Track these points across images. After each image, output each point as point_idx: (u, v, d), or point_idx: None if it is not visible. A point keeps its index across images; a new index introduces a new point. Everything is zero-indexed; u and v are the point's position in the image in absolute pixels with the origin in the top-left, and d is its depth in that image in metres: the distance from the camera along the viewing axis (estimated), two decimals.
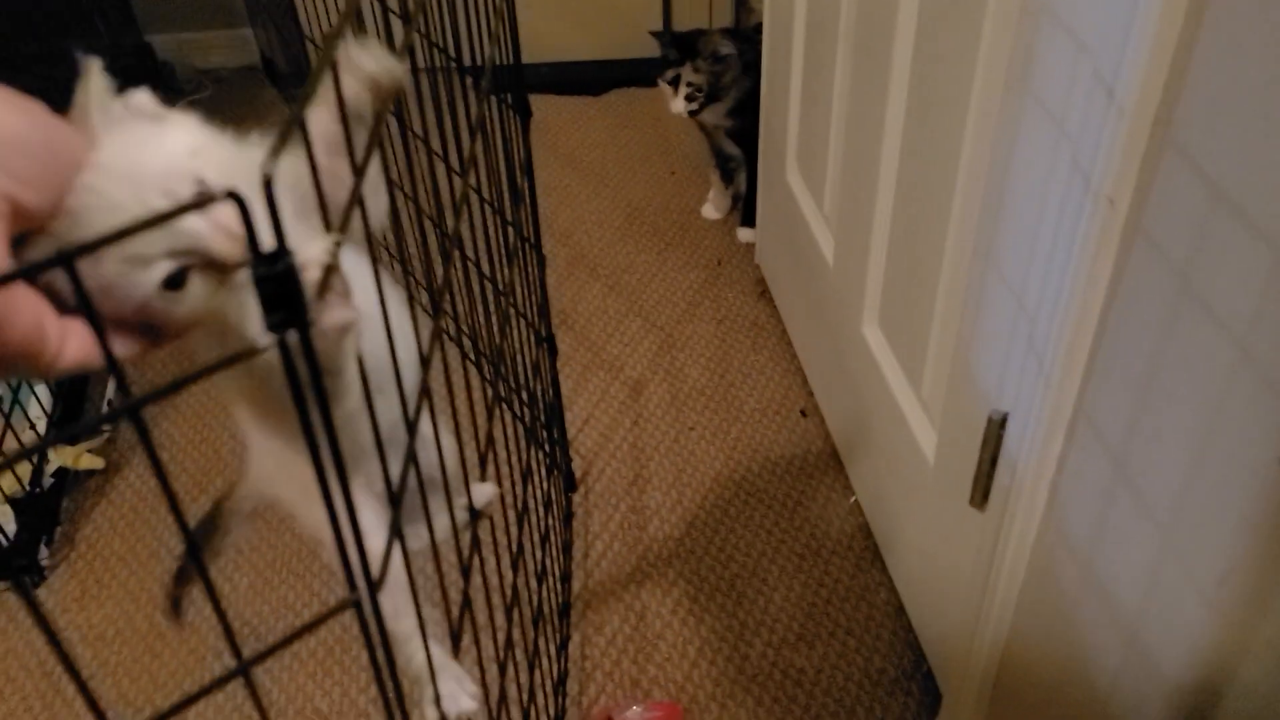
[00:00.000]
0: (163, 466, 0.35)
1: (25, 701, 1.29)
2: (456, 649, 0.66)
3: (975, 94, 0.95)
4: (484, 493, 0.79)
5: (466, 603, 0.68)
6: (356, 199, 0.44)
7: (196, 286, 0.44)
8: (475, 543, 0.72)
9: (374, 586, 0.45)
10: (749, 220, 1.93)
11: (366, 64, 0.54)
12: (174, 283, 0.44)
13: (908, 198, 1.17)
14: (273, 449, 0.63)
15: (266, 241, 0.33)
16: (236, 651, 0.39)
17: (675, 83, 1.77)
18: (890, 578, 1.36)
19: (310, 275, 0.41)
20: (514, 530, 0.92)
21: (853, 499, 1.47)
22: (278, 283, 0.33)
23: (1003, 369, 0.93)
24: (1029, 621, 0.96)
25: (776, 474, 1.52)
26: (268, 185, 0.34)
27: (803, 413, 1.61)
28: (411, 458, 0.51)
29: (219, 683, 0.39)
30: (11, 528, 1.42)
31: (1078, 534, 0.84)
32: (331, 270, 0.40)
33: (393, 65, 0.54)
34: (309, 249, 0.41)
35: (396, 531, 0.48)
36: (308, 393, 0.36)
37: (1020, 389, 0.89)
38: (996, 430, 0.94)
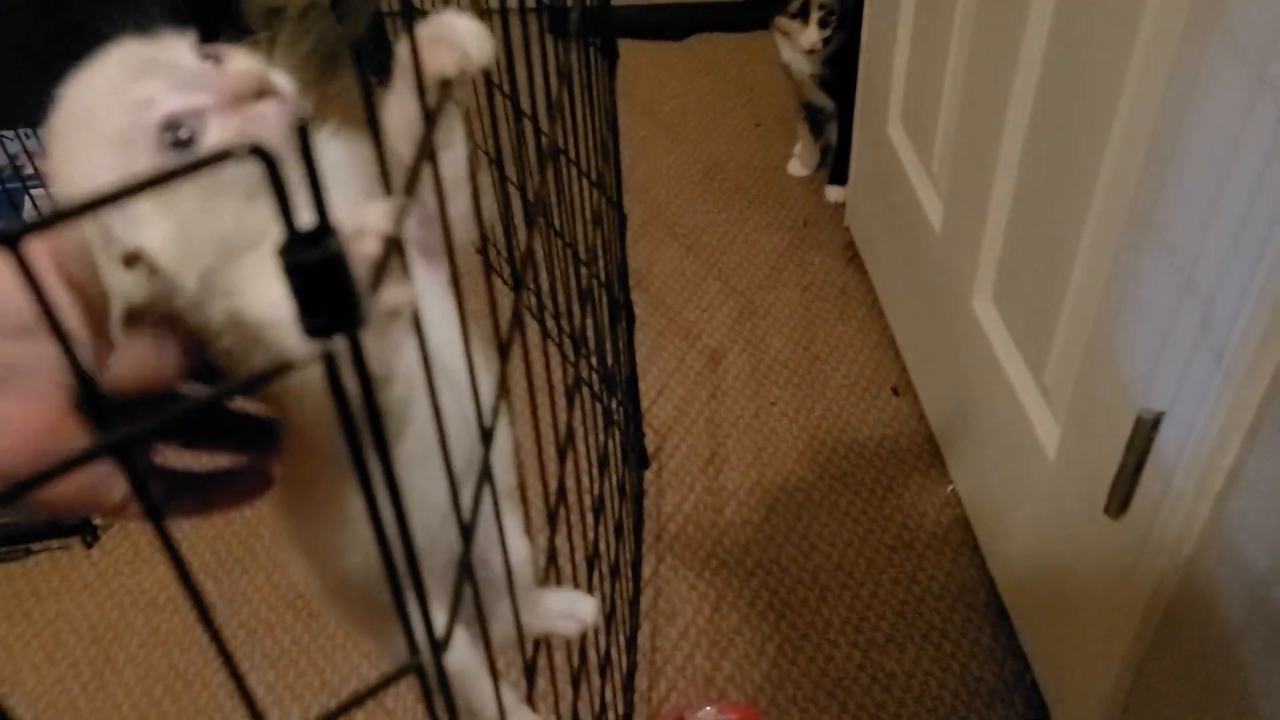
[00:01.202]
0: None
1: (74, 667, 1.24)
2: (531, 681, 0.56)
3: (1145, 28, 0.81)
4: (583, 609, 0.65)
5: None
6: (427, 151, 0.34)
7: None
8: (551, 554, 0.63)
9: (438, 649, 0.35)
10: (839, 177, 1.80)
11: (459, 35, 0.42)
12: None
13: (1040, 152, 1.03)
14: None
15: (303, 217, 0.23)
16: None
17: (804, 12, 1.62)
18: (992, 577, 1.24)
19: (366, 248, 0.30)
20: (590, 532, 0.83)
21: (950, 488, 1.35)
22: (320, 273, 0.23)
23: (1158, 360, 0.80)
24: (1175, 649, 0.84)
25: (865, 457, 1.40)
26: (303, 135, 0.23)
27: (895, 391, 1.49)
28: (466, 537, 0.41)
29: None
30: None
31: (1252, 560, 0.72)
32: (394, 245, 0.30)
33: (485, 43, 0.43)
34: (365, 214, 0.31)
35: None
36: (357, 424, 0.26)
37: (1183, 385, 0.77)
38: (1146, 431, 0.82)
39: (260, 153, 0.22)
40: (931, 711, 1.14)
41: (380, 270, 0.29)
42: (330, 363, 0.24)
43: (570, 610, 0.60)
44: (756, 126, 2.04)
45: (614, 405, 1.13)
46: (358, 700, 0.33)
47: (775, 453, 1.42)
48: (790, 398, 1.49)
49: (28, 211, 1.49)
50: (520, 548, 0.56)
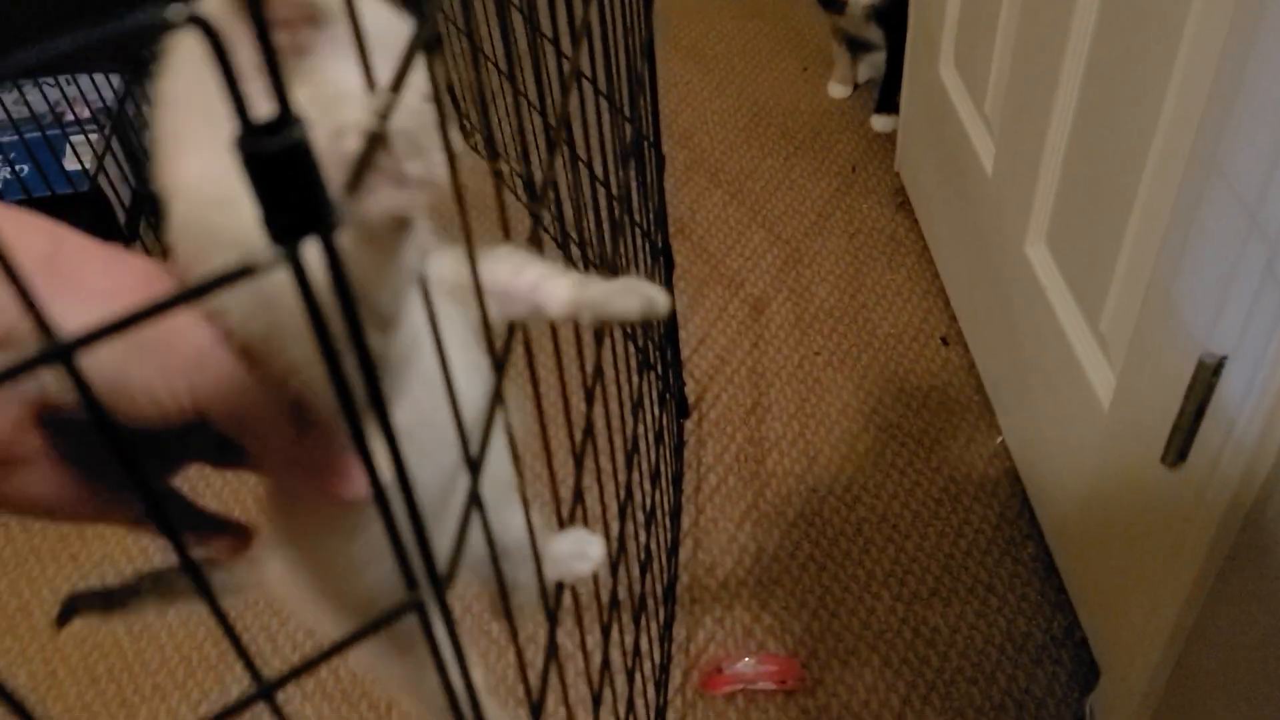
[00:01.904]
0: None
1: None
2: (553, 625, 0.55)
3: None
4: (594, 549, 0.59)
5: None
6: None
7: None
8: (577, 492, 0.61)
9: (441, 586, 0.33)
10: (886, 104, 1.75)
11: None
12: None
13: (1099, 90, 0.98)
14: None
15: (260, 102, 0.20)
16: (255, 674, 0.29)
17: None
18: (1040, 530, 1.21)
19: (347, 147, 0.28)
20: (622, 475, 0.81)
21: (999, 440, 1.31)
22: (280, 166, 0.21)
23: (1222, 302, 0.75)
24: (1234, 603, 0.81)
25: (912, 407, 1.37)
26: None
27: (944, 340, 1.44)
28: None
29: (241, 705, 0.29)
30: None
31: None
32: (381, 141, 0.27)
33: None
34: (346, 106, 0.28)
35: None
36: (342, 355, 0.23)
37: (1248, 328, 0.72)
38: (1208, 376, 0.78)
39: (204, 25, 0.19)
40: (976, 666, 1.11)
41: (362, 169, 0.26)
42: (299, 271, 0.22)
43: (581, 551, 0.57)
44: (804, 70, 1.98)
45: (649, 347, 1.10)
46: (356, 637, 0.32)
47: (819, 403, 1.39)
48: (836, 347, 1.46)
49: (65, 160, 1.49)
50: (533, 520, 0.54)
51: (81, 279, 0.34)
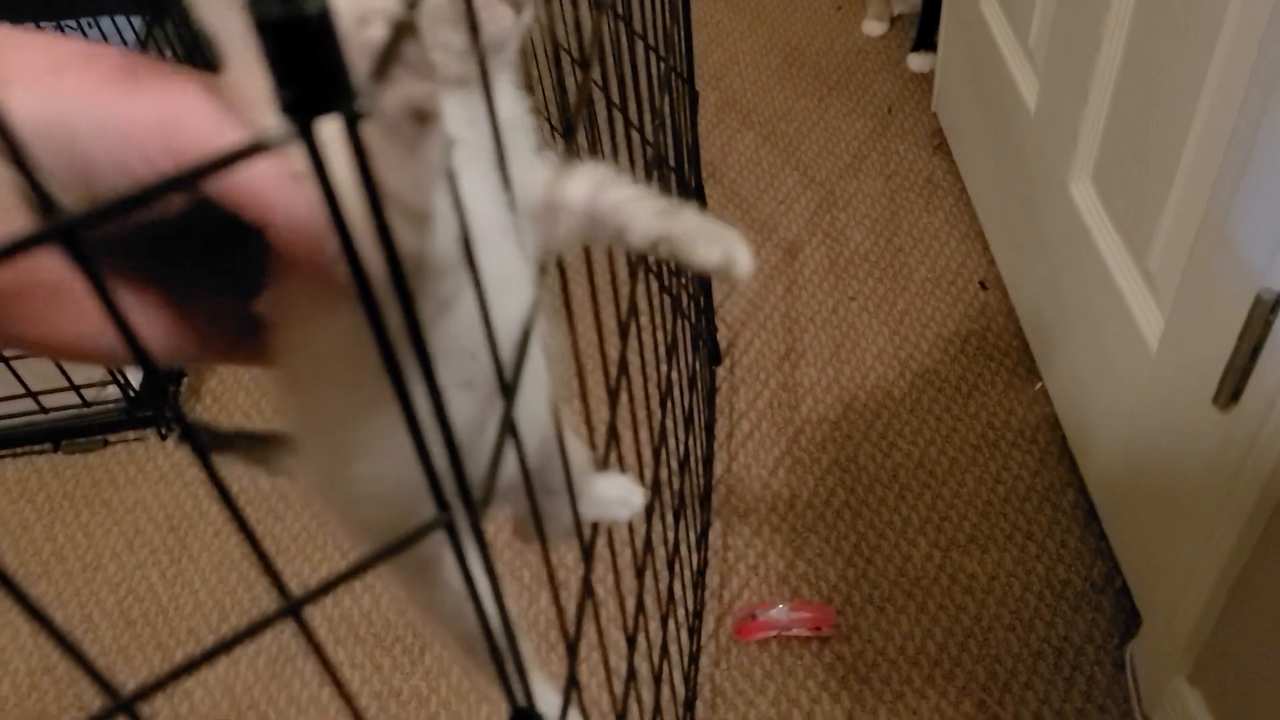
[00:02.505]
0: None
1: (154, 555, 1.26)
2: (589, 564, 0.53)
3: None
4: (636, 497, 0.56)
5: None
6: None
7: None
8: (612, 429, 0.59)
9: (475, 508, 0.31)
10: (923, 42, 1.70)
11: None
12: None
13: (1152, 16, 0.94)
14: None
15: None
16: (282, 589, 0.27)
17: None
18: (1080, 477, 1.18)
19: (371, 34, 0.26)
20: (656, 417, 0.79)
21: (1039, 385, 1.28)
22: (295, 35, 0.19)
23: None
24: None
25: (949, 353, 1.34)
26: None
27: (982, 284, 1.41)
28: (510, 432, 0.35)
29: (268, 621, 0.28)
30: (138, 379, 1.38)
31: None
32: (407, 31, 0.25)
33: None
34: None
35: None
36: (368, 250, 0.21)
37: None
38: (1265, 313, 0.74)
39: None
40: (1014, 614, 1.09)
41: (388, 58, 0.24)
42: (313, 150, 0.20)
43: (624, 497, 0.56)
44: (838, 10, 1.92)
45: (681, 293, 1.08)
46: (379, 556, 0.30)
47: (854, 349, 1.36)
48: (871, 292, 1.43)
49: None
50: (577, 451, 0.52)
51: (20, 62, 0.31)
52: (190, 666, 0.26)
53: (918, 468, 1.23)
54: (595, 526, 0.55)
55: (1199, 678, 0.93)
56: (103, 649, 1.17)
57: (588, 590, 0.51)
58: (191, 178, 0.19)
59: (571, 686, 0.48)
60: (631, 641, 0.69)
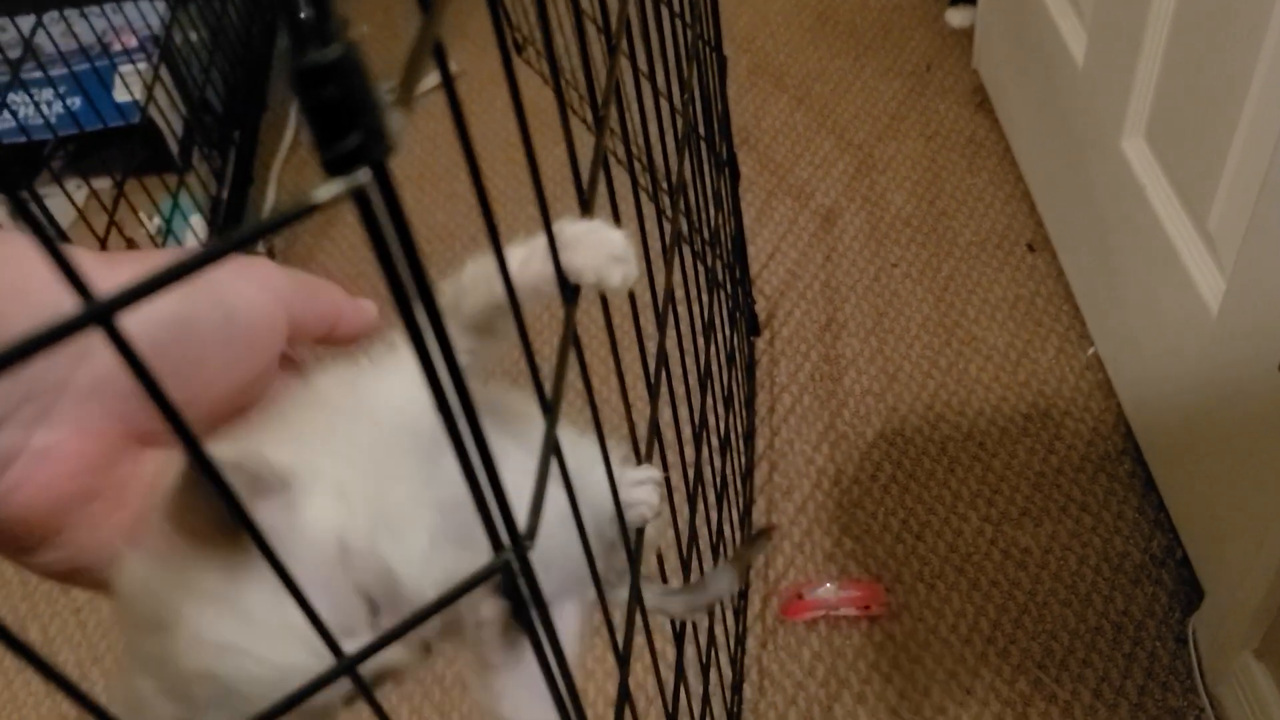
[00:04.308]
0: None
1: None
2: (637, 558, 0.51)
3: None
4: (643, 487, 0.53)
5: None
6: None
7: None
8: (653, 426, 0.56)
9: (522, 546, 0.30)
10: None
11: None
12: None
13: None
14: None
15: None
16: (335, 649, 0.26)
17: None
18: (1137, 445, 1.14)
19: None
20: (696, 399, 0.76)
21: (1091, 350, 1.24)
22: (334, 81, 0.17)
23: None
24: None
25: (997, 319, 1.30)
26: None
27: (1030, 247, 1.36)
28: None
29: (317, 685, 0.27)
30: None
31: None
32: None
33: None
34: None
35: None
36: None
37: None
38: None
39: None
40: (1070, 588, 1.06)
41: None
42: (363, 201, 0.19)
43: (644, 498, 0.53)
44: None
45: (718, 266, 1.05)
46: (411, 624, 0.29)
47: (897, 317, 1.33)
48: (914, 258, 1.39)
49: (115, 92, 1.46)
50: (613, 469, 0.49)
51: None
52: None
53: (966, 439, 1.19)
54: (639, 535, 0.52)
55: (1266, 651, 0.89)
56: None
57: (636, 596, 0.49)
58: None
59: (624, 698, 0.46)
60: (679, 637, 0.67)
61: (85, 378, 0.33)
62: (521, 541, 0.31)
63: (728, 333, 1.10)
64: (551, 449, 0.35)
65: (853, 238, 1.43)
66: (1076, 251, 1.28)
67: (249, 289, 0.37)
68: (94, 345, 0.33)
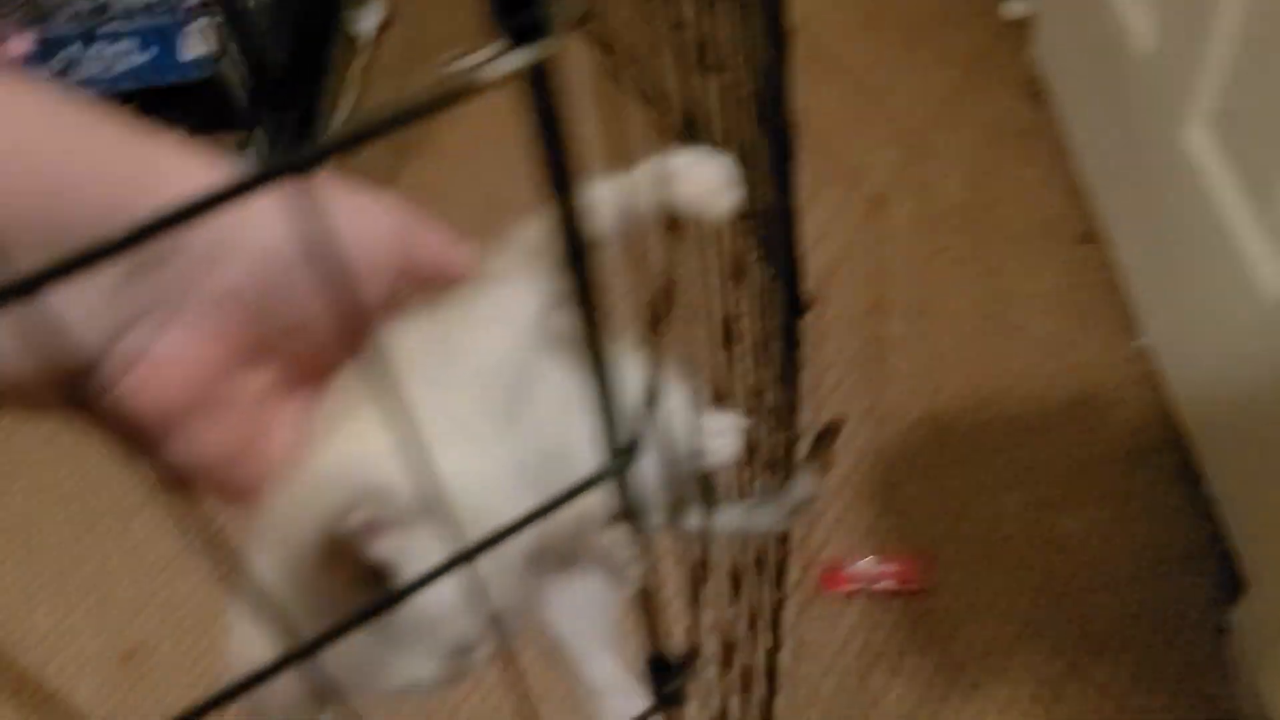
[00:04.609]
0: None
1: None
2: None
3: None
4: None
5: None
6: None
7: None
8: (723, 386, 0.58)
9: (630, 454, 0.31)
10: None
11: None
12: None
13: None
14: None
15: None
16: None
17: None
18: (1184, 436, 1.14)
19: None
20: (748, 373, 0.77)
21: (1140, 341, 1.24)
22: None
23: None
24: None
25: (1045, 308, 1.30)
26: None
27: (1081, 238, 1.36)
28: None
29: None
30: None
31: None
32: None
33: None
34: None
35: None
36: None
37: None
38: None
39: None
40: (1110, 574, 1.07)
41: None
42: (539, 77, 0.19)
43: (723, 430, 0.54)
44: None
45: (765, 243, 1.06)
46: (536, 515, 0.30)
47: (944, 303, 1.33)
48: (962, 245, 1.39)
49: (182, 49, 1.49)
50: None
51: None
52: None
53: (1009, 424, 1.20)
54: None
55: None
56: (201, 580, 1.20)
57: (708, 540, 0.50)
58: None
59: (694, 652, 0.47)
60: (736, 584, 0.68)
61: (211, 289, 0.33)
62: (630, 449, 0.32)
63: (774, 308, 1.11)
64: (657, 367, 0.36)
65: (901, 223, 1.43)
66: (1130, 243, 1.28)
67: (368, 222, 0.37)
68: (225, 255, 0.34)
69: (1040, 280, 1.33)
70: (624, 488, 0.32)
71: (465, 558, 0.28)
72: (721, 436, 0.56)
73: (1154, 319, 1.22)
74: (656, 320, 0.37)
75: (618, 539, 0.43)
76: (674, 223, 0.42)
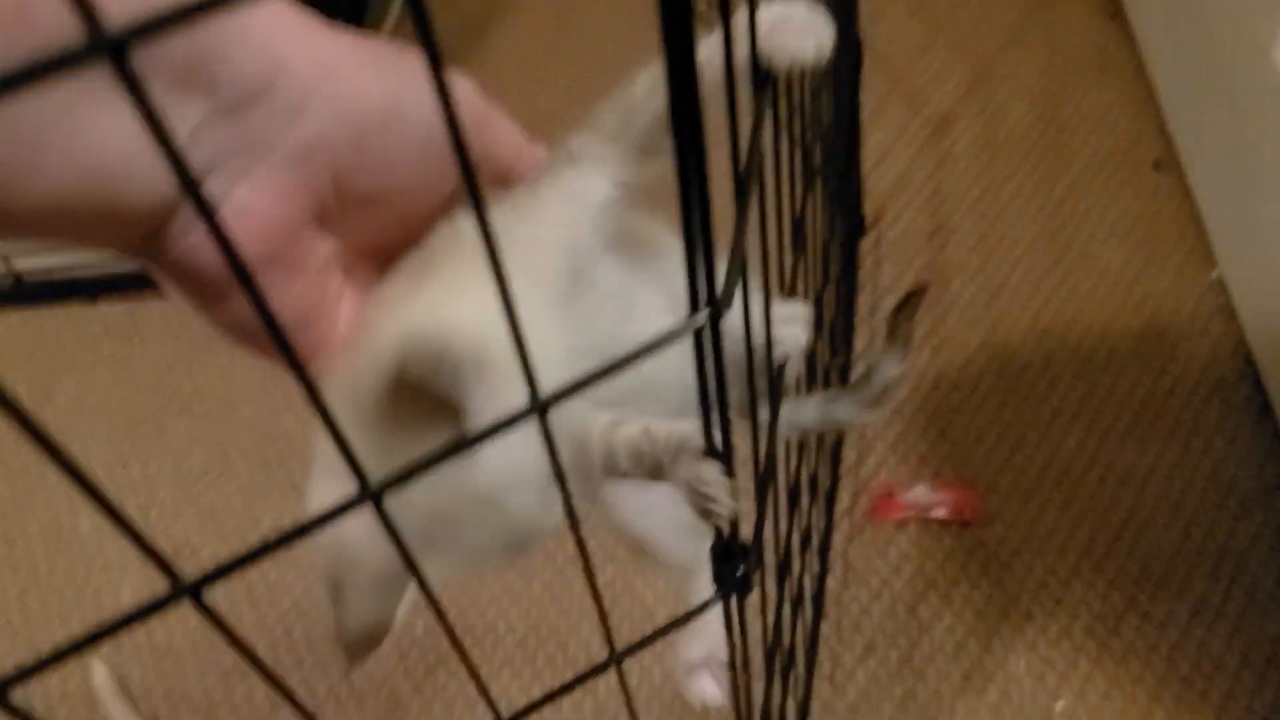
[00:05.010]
0: None
1: (289, 399, 1.27)
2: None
3: None
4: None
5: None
6: None
7: None
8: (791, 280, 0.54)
9: (718, 306, 0.28)
10: None
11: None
12: None
13: None
14: None
15: None
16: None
17: None
18: (1258, 372, 1.09)
19: None
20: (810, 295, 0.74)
21: (1214, 274, 1.18)
22: None
23: None
24: None
25: (1115, 237, 1.25)
26: None
27: (1156, 166, 1.30)
28: None
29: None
30: None
31: None
32: None
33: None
34: None
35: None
36: None
37: None
38: None
39: None
40: (1173, 511, 1.03)
41: None
42: None
43: (791, 318, 0.51)
44: None
45: (823, 161, 1.02)
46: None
47: (1008, 229, 1.28)
48: (1029, 171, 1.34)
49: None
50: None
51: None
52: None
53: (1072, 356, 1.16)
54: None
55: None
56: (239, 486, 1.20)
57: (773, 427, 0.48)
58: None
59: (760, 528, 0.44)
60: (794, 493, 0.66)
61: (294, 142, 0.32)
62: (718, 302, 0.29)
63: (834, 230, 1.07)
64: (743, 232, 0.34)
65: (966, 147, 1.38)
66: (1209, 170, 1.22)
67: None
68: (311, 107, 0.32)
69: (1111, 208, 1.27)
70: (712, 341, 0.30)
71: (538, 410, 0.27)
72: (791, 324, 0.53)
73: (1229, 250, 1.17)
74: (745, 185, 0.34)
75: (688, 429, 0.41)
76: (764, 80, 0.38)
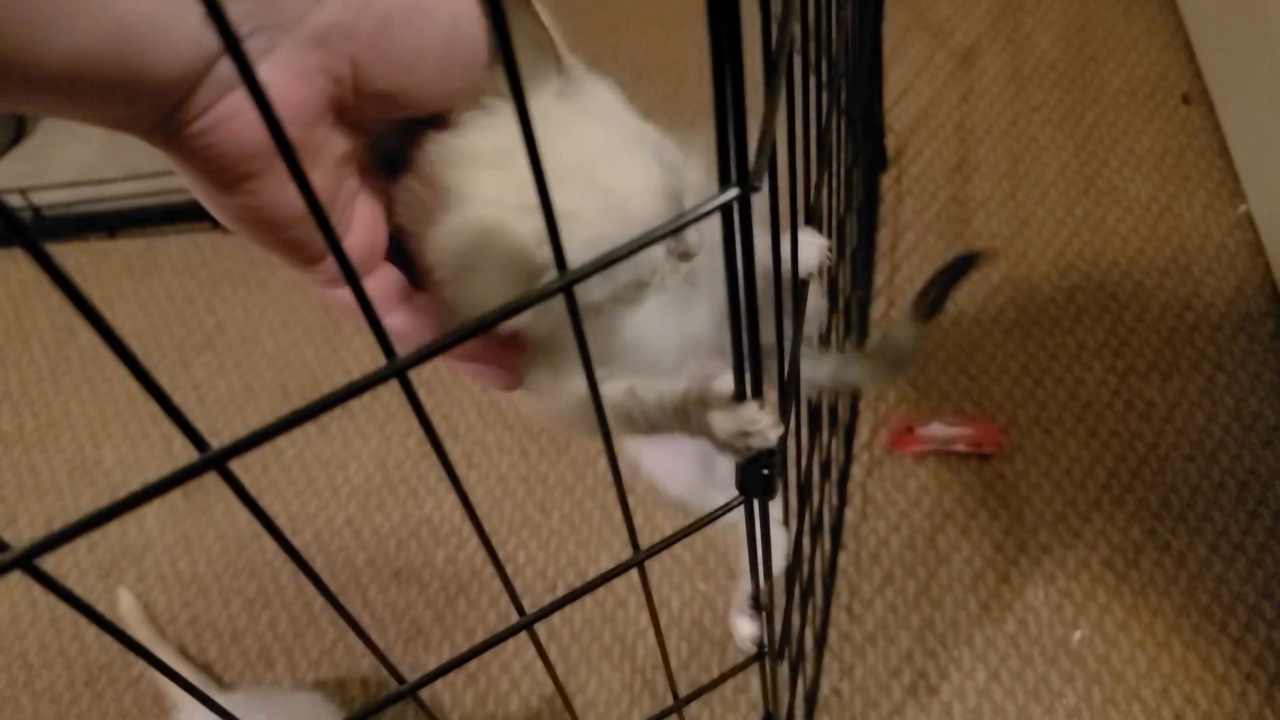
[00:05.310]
0: None
1: (308, 332, 1.28)
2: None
3: None
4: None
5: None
6: None
7: None
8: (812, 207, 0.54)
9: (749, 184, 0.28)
10: None
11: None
12: None
13: None
14: None
15: None
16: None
17: None
18: None
19: None
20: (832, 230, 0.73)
21: (1242, 208, 1.17)
22: None
23: None
24: None
25: (1141, 171, 1.23)
26: None
27: (1185, 99, 1.28)
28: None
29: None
30: None
31: None
32: None
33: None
34: None
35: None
36: None
37: None
38: None
39: None
40: (1195, 444, 1.03)
41: None
42: None
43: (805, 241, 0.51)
44: None
45: (847, 94, 1.00)
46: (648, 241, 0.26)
47: (1034, 163, 1.26)
48: (1056, 103, 1.31)
49: None
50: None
51: None
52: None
53: (1097, 289, 1.14)
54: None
55: None
56: (262, 418, 1.21)
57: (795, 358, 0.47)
58: None
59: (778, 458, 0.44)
60: (814, 420, 0.65)
61: (316, 23, 0.31)
62: (749, 178, 0.29)
63: (851, 164, 1.05)
64: (773, 114, 0.33)
65: (992, 79, 1.36)
66: (1239, 104, 1.19)
67: (477, 10, 0.35)
68: None
69: (1138, 142, 1.25)
70: (743, 215, 0.29)
71: (564, 288, 0.27)
72: (809, 247, 0.52)
73: (1258, 184, 1.15)
74: (775, 66, 0.33)
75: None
76: None
